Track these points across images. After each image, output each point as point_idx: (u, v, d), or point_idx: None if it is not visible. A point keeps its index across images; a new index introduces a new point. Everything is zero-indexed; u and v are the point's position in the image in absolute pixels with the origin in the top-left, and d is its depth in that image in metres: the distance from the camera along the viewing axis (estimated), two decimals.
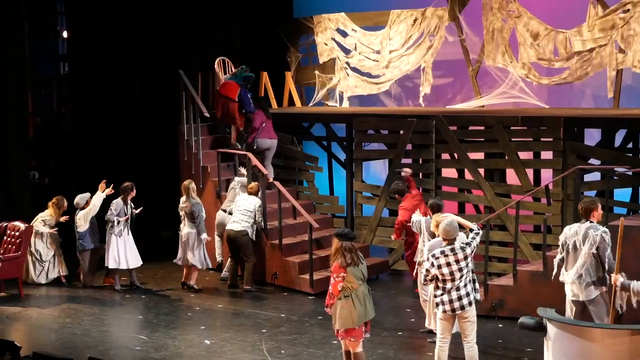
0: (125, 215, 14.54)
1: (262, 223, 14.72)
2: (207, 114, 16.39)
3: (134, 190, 14.69)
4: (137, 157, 18.32)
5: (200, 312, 13.45)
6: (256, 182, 14.89)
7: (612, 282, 9.04)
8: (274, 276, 14.90)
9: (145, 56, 18.06)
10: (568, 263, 10.25)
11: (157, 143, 18.04)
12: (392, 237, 13.88)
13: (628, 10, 15.28)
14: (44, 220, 15.06)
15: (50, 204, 15.20)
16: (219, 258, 15.44)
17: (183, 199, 14.60)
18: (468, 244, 9.63)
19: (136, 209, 14.78)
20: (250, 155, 15.72)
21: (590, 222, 10.11)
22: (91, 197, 14.78)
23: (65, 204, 15.19)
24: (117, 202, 14.54)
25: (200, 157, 16.31)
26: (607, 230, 10.10)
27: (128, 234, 14.65)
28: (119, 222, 14.42)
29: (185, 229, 14.53)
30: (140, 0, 17.99)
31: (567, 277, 10.24)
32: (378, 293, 14.27)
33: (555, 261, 10.53)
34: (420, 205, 13.52)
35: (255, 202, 14.55)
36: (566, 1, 16.39)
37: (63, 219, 15.10)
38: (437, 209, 11.67)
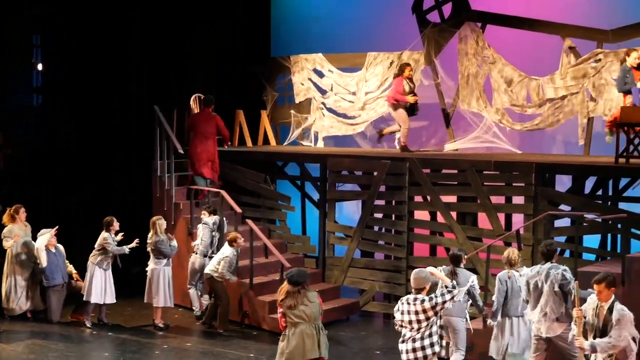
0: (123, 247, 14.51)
1: (225, 275, 14.27)
2: (181, 151, 16.40)
3: (115, 224, 14.59)
4: (112, 192, 18.24)
5: (168, 351, 13.37)
6: (234, 233, 14.64)
7: (578, 346, 9.24)
8: (243, 315, 14.85)
9: (123, 91, 18.03)
10: (531, 303, 10.86)
11: (132, 178, 18.00)
12: None
13: (600, 59, 15.49)
14: (5, 237, 14.93)
15: (4, 216, 15.09)
16: (203, 304, 15.28)
17: (150, 234, 14.56)
18: (431, 298, 9.45)
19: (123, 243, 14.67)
20: (223, 192, 15.74)
21: (551, 262, 10.77)
22: (55, 234, 14.68)
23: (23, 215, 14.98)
24: (109, 236, 14.44)
25: (173, 193, 16.30)
26: (567, 268, 10.72)
27: (110, 268, 14.59)
28: (110, 255, 14.36)
29: (150, 265, 14.49)
30: (120, 37, 17.99)
31: (532, 316, 10.85)
32: (348, 334, 14.27)
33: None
34: None
35: (223, 253, 14.41)
36: (540, 49, 16.57)
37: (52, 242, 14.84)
38: (454, 260, 11.78)
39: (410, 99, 16.19)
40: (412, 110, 16.40)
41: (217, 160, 16.62)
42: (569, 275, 10.55)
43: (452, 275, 11.62)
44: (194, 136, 16.59)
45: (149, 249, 14.52)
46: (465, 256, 12.03)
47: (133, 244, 14.62)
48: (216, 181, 16.67)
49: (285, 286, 10.05)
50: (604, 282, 9.20)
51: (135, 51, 18.85)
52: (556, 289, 10.53)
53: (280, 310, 10.10)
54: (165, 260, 14.46)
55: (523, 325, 11.34)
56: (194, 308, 15.19)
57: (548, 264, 10.78)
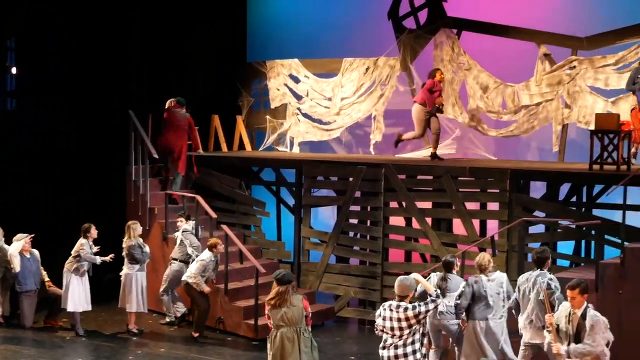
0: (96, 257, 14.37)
1: (198, 279, 14.08)
2: (156, 155, 16.36)
3: (93, 231, 14.47)
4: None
5: (142, 356, 13.30)
6: (215, 239, 14.53)
7: (555, 352, 9.30)
8: (218, 321, 14.80)
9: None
10: (521, 309, 11.00)
11: (107, 183, 17.90)
12: None
13: (574, 67, 15.59)
14: None
15: None
16: (178, 312, 15.23)
17: (125, 238, 14.49)
18: (414, 306, 9.38)
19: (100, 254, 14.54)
20: (198, 197, 15.71)
21: (541, 270, 10.82)
22: (29, 239, 14.58)
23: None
24: (85, 243, 14.31)
25: (148, 198, 16.25)
26: (553, 277, 10.74)
27: (85, 275, 14.45)
28: (86, 263, 14.25)
29: (124, 270, 14.43)
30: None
31: (520, 322, 10.99)
32: (323, 340, 14.23)
33: (511, 303, 11.22)
34: None
35: (200, 256, 14.34)
36: (515, 56, 16.63)
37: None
38: (446, 266, 11.88)
39: (438, 99, 15.86)
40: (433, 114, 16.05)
41: (183, 157, 16.69)
42: (554, 284, 10.57)
43: (444, 281, 11.71)
44: (166, 130, 16.66)
45: (123, 253, 14.45)
46: (458, 262, 12.06)
47: (107, 258, 14.48)
48: (183, 174, 16.75)
49: (273, 285, 10.05)
50: (577, 288, 9.24)
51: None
52: (541, 297, 10.52)
53: (266, 311, 10.15)
54: (138, 266, 14.38)
55: (489, 329, 11.34)
56: (168, 314, 15.12)
57: (537, 271, 10.85)
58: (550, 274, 10.87)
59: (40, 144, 17.46)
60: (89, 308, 14.53)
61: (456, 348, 11.83)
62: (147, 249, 14.54)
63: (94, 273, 14.64)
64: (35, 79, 17.25)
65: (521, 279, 11.06)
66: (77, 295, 14.28)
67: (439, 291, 9.87)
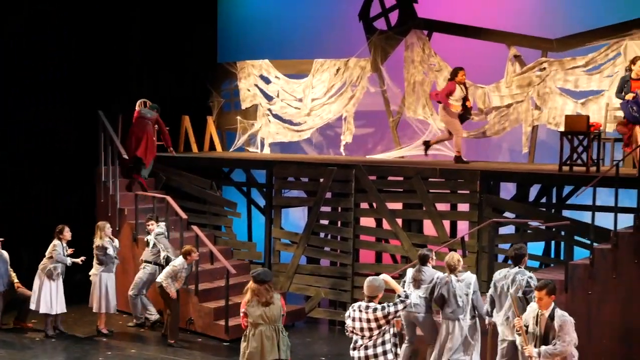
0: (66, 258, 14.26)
1: (167, 283, 13.90)
2: (125, 156, 16.29)
3: (66, 232, 14.32)
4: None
5: (112, 357, 13.23)
6: (190, 246, 14.28)
7: (528, 355, 9.37)
8: (188, 322, 14.75)
9: (66, 95, 17.79)
10: (497, 305, 11.03)
11: (77, 184, 17.75)
12: None
13: (544, 68, 15.68)
14: None
15: None
16: (153, 317, 15.13)
17: (95, 239, 14.41)
18: (383, 307, 9.37)
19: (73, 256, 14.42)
20: (168, 198, 15.65)
21: (519, 267, 10.88)
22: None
23: None
24: (58, 244, 14.18)
25: (118, 199, 16.17)
26: (532, 275, 10.77)
27: (60, 278, 14.31)
28: (60, 265, 14.13)
29: (93, 270, 14.35)
30: (68, 40, 17.80)
31: (497, 318, 11.01)
32: (293, 341, 14.10)
33: (487, 301, 11.25)
34: None
35: (173, 262, 14.18)
36: (486, 57, 16.70)
37: None
38: (422, 259, 11.94)
39: (454, 105, 15.42)
40: (463, 117, 15.65)
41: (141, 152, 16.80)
42: (533, 282, 10.53)
43: (418, 272, 11.80)
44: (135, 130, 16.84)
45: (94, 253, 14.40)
46: (433, 256, 12.10)
47: (78, 260, 14.38)
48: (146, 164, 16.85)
49: (251, 285, 10.08)
50: (544, 289, 9.30)
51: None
52: (520, 294, 10.61)
53: (242, 310, 10.14)
54: (103, 266, 14.29)
55: (458, 329, 11.37)
56: (138, 317, 15.03)
57: (516, 269, 10.90)
58: (529, 271, 10.94)
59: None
60: (64, 310, 14.39)
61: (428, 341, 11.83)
62: (110, 250, 14.33)
63: (66, 275, 14.51)
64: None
65: (498, 275, 11.08)
66: (50, 297, 14.15)
67: (408, 292, 9.86)
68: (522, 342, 9.39)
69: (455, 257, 11.54)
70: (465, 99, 15.56)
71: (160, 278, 14.01)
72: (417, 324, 11.92)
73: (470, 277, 11.46)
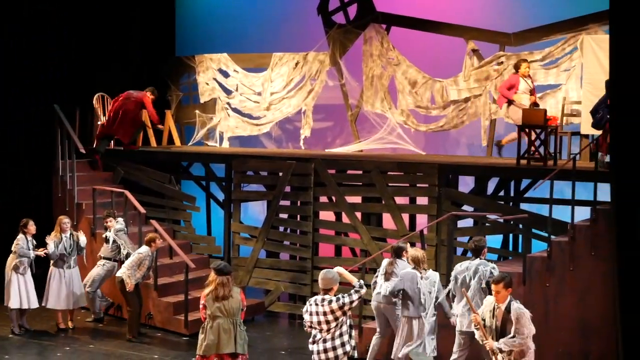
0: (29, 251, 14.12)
1: (129, 272, 13.79)
2: (83, 150, 16.18)
3: (30, 226, 14.13)
4: (12, 192, 17.77)
5: (71, 353, 13.14)
6: (154, 234, 14.22)
7: (489, 349, 9.42)
8: (148, 316, 14.68)
9: (23, 90, 17.61)
10: (457, 297, 11.15)
11: (34, 179, 17.58)
12: None
13: (502, 62, 15.79)
14: None
15: None
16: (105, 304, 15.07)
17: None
18: (338, 298, 9.45)
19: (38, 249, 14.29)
20: (127, 192, 15.55)
21: (480, 259, 11.04)
22: None
23: None
24: (22, 238, 14.01)
25: (75, 193, 16.05)
26: (495, 266, 10.99)
27: (28, 272, 14.15)
28: (25, 259, 13.97)
29: (51, 266, 14.27)
30: (16, 34, 17.62)
31: (456, 309, 11.14)
32: (253, 335, 14.20)
33: (443, 294, 11.37)
34: None
35: (138, 250, 14.13)
36: (444, 51, 16.79)
37: None
38: (396, 252, 12.05)
39: (518, 99, 14.65)
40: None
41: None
42: (496, 273, 10.53)
43: (391, 265, 11.85)
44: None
45: None
46: (408, 248, 12.13)
47: (40, 252, 14.24)
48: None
49: (212, 277, 10.15)
50: (502, 282, 9.36)
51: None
52: (483, 285, 10.74)
53: (202, 302, 10.20)
54: (54, 262, 14.18)
55: (421, 326, 11.43)
56: (96, 312, 14.94)
57: (477, 260, 11.05)
58: (491, 263, 11.10)
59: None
60: (36, 305, 14.22)
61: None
62: (49, 247, 14.15)
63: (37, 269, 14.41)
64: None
65: (459, 267, 11.19)
66: (19, 292, 13.99)
67: (361, 282, 9.88)
68: (481, 336, 9.45)
69: (420, 251, 11.61)
70: (531, 92, 14.84)
71: (121, 271, 13.92)
72: (388, 316, 11.96)
73: (435, 276, 11.54)
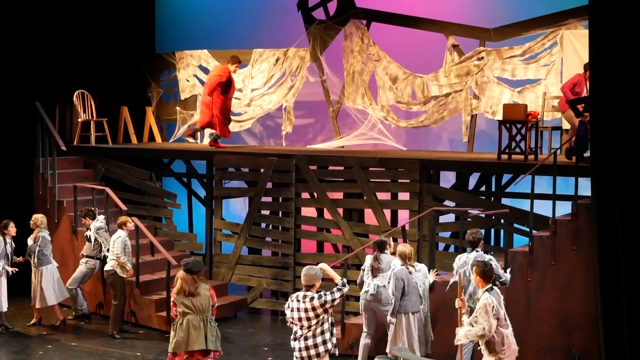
0: (6, 254, 13.98)
1: (123, 258, 13.97)
2: (63, 147, 16.13)
3: (10, 228, 14.04)
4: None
5: (52, 351, 13.11)
6: (124, 217, 14.28)
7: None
8: (130, 313, 14.66)
9: (1, 87, 17.52)
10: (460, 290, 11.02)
11: (14, 176, 17.49)
12: None
13: (482, 57, 15.82)
14: None
15: None
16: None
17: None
18: (320, 295, 9.48)
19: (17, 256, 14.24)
20: (108, 189, 15.51)
21: (477, 251, 11.17)
22: None
23: None
24: (0, 240, 13.94)
25: (56, 190, 15.99)
26: (492, 258, 10.98)
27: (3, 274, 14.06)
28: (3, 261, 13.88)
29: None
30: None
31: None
32: (235, 331, 14.24)
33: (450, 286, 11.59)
34: None
35: (115, 236, 14.13)
36: (424, 47, 16.82)
37: None
38: (379, 246, 12.07)
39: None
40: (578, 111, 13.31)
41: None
42: (494, 262, 10.67)
43: (376, 260, 11.88)
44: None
45: None
46: (391, 242, 12.16)
47: (18, 259, 14.22)
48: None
49: (180, 274, 10.20)
50: (473, 267, 9.51)
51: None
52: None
53: (172, 299, 10.28)
54: (36, 261, 14.14)
55: (419, 322, 11.46)
56: (78, 308, 14.89)
57: (474, 253, 11.14)
58: (488, 254, 11.19)
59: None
60: (5, 309, 14.17)
61: (388, 333, 11.77)
62: (33, 244, 14.19)
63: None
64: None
65: (458, 261, 11.31)
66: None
67: (344, 280, 9.88)
68: (458, 322, 9.52)
69: (409, 247, 11.61)
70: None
71: (110, 263, 13.87)
72: (379, 312, 11.96)
73: (424, 267, 11.63)
